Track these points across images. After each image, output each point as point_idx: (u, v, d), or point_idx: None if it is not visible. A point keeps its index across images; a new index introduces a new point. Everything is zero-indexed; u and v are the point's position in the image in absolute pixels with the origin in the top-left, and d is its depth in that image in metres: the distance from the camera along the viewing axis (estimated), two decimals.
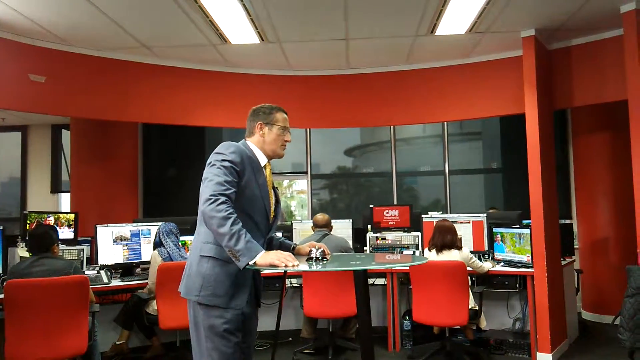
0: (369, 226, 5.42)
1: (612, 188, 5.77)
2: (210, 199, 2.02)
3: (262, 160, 2.31)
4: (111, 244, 4.49)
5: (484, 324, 4.36)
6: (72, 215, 5.09)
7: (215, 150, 2.20)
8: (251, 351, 2.34)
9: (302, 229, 5.42)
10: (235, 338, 2.13)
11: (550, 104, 4.88)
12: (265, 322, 4.49)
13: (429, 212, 5.53)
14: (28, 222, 4.80)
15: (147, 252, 4.55)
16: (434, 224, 4.44)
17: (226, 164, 2.12)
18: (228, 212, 2.00)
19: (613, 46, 4.55)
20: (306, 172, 7.46)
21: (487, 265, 4.41)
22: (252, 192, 2.20)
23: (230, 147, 2.20)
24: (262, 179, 2.26)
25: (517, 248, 4.53)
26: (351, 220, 5.44)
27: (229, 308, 2.12)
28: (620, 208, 5.66)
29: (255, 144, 2.32)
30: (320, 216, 4.76)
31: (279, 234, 2.49)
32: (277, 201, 2.37)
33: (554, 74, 4.93)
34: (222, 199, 2.02)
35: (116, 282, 4.25)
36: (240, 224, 2.00)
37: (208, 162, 2.18)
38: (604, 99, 4.74)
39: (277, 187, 2.40)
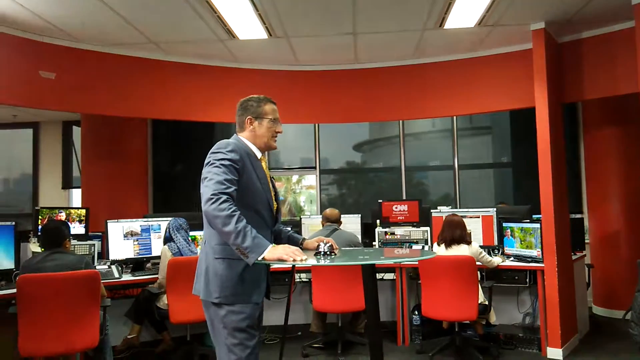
0: (378, 221, 5.42)
1: (623, 182, 5.71)
2: (212, 198, 2.00)
3: (257, 154, 2.31)
4: (122, 239, 4.53)
5: (493, 318, 4.36)
6: (83, 211, 5.14)
7: (213, 150, 2.18)
8: None
9: (311, 224, 5.43)
10: (255, 332, 2.17)
11: (561, 98, 4.84)
12: (275, 316, 4.52)
13: (438, 207, 5.53)
14: (40, 217, 4.85)
15: (158, 247, 4.58)
16: (443, 218, 4.43)
17: (226, 162, 2.11)
18: (231, 210, 1.98)
19: (624, 38, 4.50)
20: (315, 168, 7.47)
21: (496, 260, 4.39)
22: (254, 186, 2.21)
23: (229, 145, 2.19)
24: (261, 173, 2.27)
25: (527, 243, 4.51)
26: (360, 215, 5.45)
27: (249, 303, 2.14)
28: (632, 202, 5.61)
29: (248, 139, 2.31)
30: (330, 211, 4.78)
31: (288, 228, 2.49)
32: (276, 192, 2.37)
33: (564, 67, 4.88)
34: (224, 197, 2.00)
35: (127, 277, 4.28)
36: (245, 220, 1.99)
37: (206, 161, 2.16)
38: (615, 92, 4.68)
39: (273, 178, 2.41)
